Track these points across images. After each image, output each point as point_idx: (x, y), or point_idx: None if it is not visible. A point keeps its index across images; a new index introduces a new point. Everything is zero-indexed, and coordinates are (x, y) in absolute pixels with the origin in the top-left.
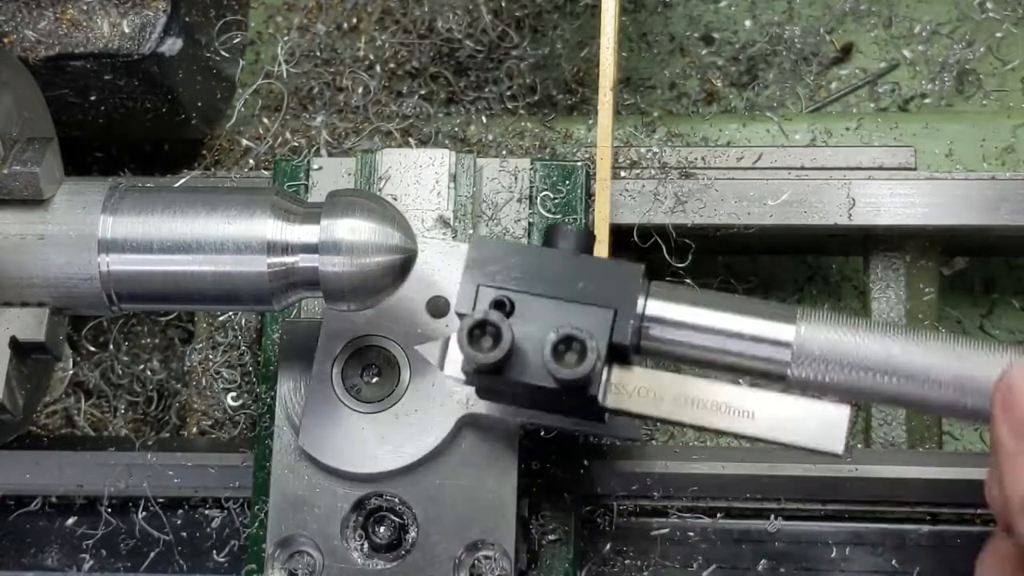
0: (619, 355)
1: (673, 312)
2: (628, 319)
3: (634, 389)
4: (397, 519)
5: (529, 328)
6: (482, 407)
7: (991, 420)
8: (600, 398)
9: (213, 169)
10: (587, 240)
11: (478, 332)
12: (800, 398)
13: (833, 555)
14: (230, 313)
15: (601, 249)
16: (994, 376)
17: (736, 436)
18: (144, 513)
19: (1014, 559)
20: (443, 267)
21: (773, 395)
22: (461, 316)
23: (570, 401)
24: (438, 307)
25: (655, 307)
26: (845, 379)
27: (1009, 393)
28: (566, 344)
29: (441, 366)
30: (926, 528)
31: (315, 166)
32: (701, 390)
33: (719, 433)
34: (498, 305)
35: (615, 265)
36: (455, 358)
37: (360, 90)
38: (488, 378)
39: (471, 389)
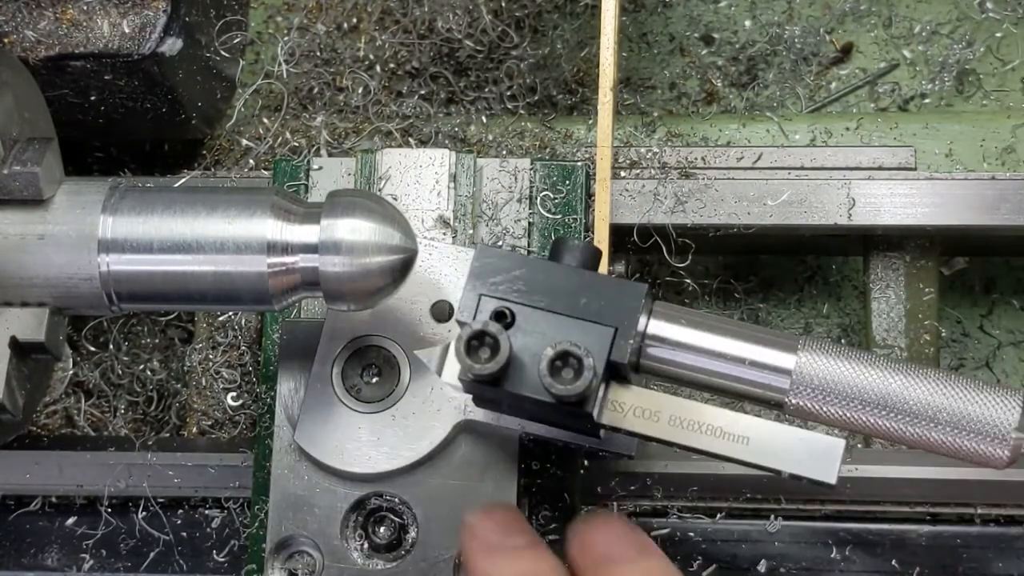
0: (617, 373)
1: (674, 333)
2: (628, 338)
3: (630, 408)
4: (397, 519)
5: (528, 341)
6: (480, 414)
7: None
8: (595, 415)
9: (213, 169)
10: (593, 256)
11: (476, 343)
12: (795, 427)
13: (833, 555)
14: (230, 313)
15: (601, 249)
16: (995, 418)
17: (729, 460)
18: (144, 513)
19: None
20: (450, 272)
21: (769, 422)
22: (461, 324)
23: (566, 415)
24: (442, 312)
25: (656, 327)
26: (842, 411)
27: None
28: (563, 360)
29: (439, 372)
30: (926, 528)
31: (315, 166)
32: (697, 413)
33: (713, 456)
34: (499, 316)
35: (619, 283)
36: (453, 365)
37: (360, 90)
38: (485, 388)
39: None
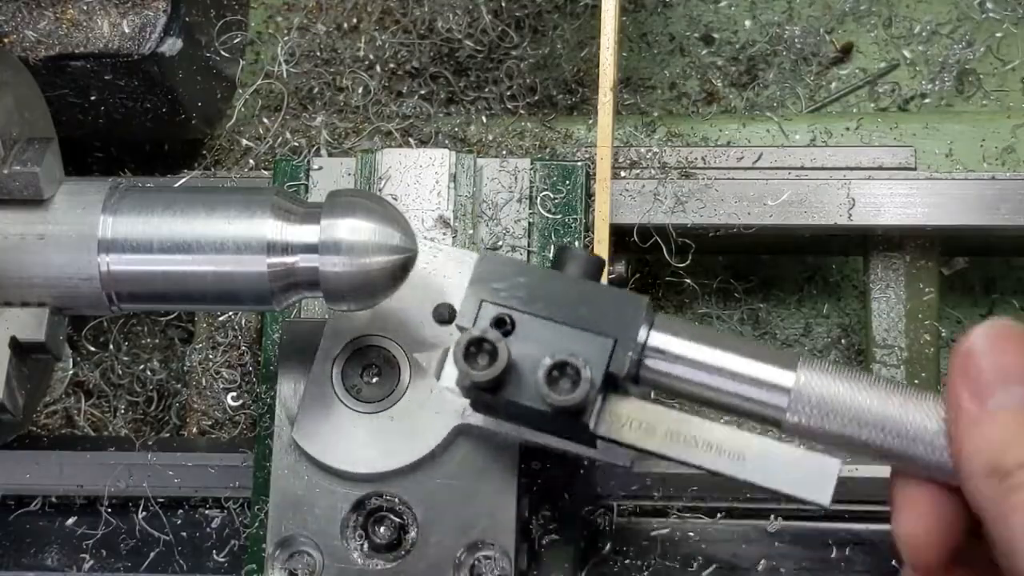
0: (615, 384)
1: (674, 346)
2: (627, 350)
3: (627, 420)
4: (397, 519)
5: (528, 349)
6: (478, 419)
7: (949, 387)
8: (592, 426)
9: (213, 169)
10: (596, 266)
11: (474, 349)
12: (792, 446)
13: (833, 555)
14: (230, 313)
15: (601, 249)
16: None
17: (724, 477)
18: (144, 513)
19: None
20: (453, 274)
21: (765, 440)
22: (461, 330)
23: (562, 425)
24: (444, 314)
25: (657, 339)
26: (840, 431)
27: (969, 358)
28: (560, 370)
29: (438, 377)
30: None
31: (315, 166)
32: (694, 427)
33: (707, 471)
34: (499, 323)
35: (620, 294)
36: (452, 370)
37: (360, 90)
38: (483, 394)
39: None
